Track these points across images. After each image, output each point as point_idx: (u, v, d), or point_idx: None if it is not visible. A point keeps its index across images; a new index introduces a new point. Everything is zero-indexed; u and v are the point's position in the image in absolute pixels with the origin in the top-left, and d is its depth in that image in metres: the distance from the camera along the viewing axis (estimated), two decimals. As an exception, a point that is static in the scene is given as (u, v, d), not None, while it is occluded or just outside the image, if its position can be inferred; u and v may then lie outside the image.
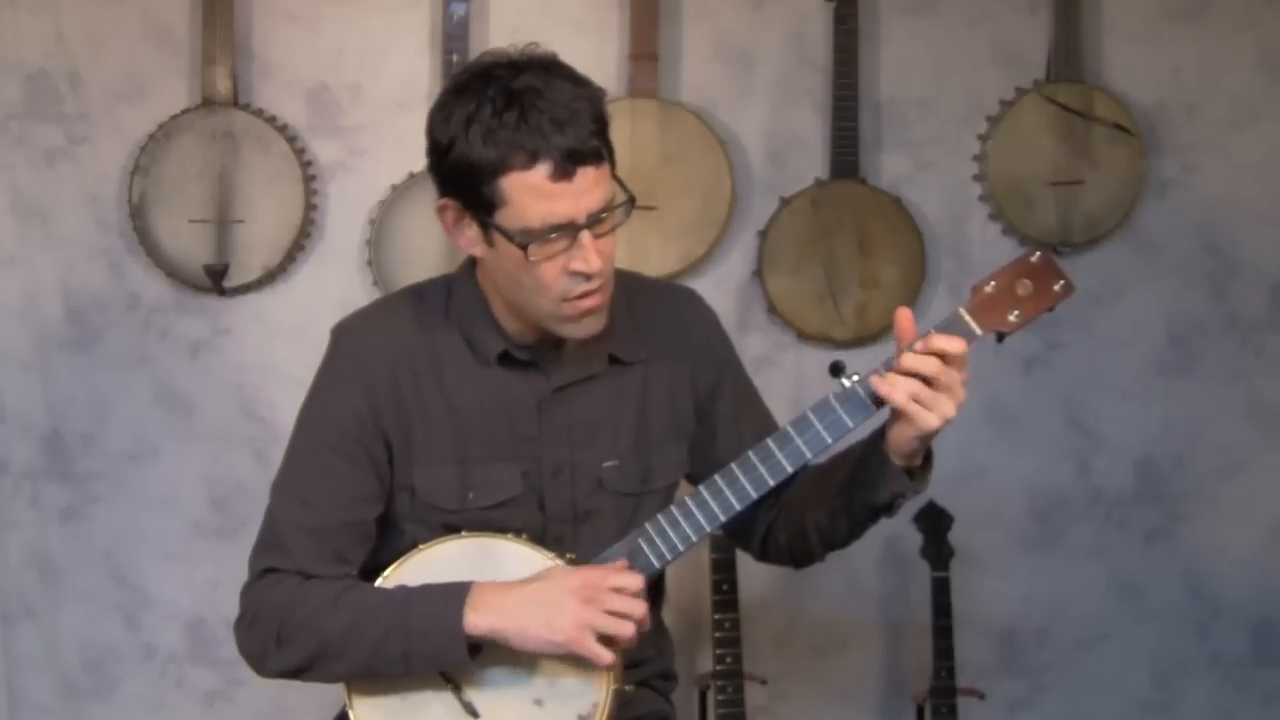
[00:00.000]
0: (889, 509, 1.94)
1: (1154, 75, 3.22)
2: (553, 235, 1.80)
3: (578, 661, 1.87)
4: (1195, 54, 3.22)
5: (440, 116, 1.84)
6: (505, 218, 1.81)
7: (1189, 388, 3.27)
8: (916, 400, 1.80)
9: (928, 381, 1.80)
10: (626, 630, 1.84)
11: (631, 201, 1.88)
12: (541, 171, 1.78)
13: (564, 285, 1.84)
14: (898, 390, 1.80)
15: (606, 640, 1.83)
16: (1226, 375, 3.27)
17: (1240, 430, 3.28)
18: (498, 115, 1.78)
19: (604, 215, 1.84)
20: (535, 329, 1.95)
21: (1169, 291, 3.26)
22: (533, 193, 1.78)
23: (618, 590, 1.84)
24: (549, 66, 1.82)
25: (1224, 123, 3.24)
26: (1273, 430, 3.28)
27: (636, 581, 1.87)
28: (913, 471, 1.91)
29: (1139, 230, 3.23)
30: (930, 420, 1.80)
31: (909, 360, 1.81)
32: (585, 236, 1.82)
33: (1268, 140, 3.24)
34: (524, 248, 1.80)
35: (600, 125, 1.82)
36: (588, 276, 1.83)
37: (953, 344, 1.81)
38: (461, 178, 1.82)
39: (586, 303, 1.86)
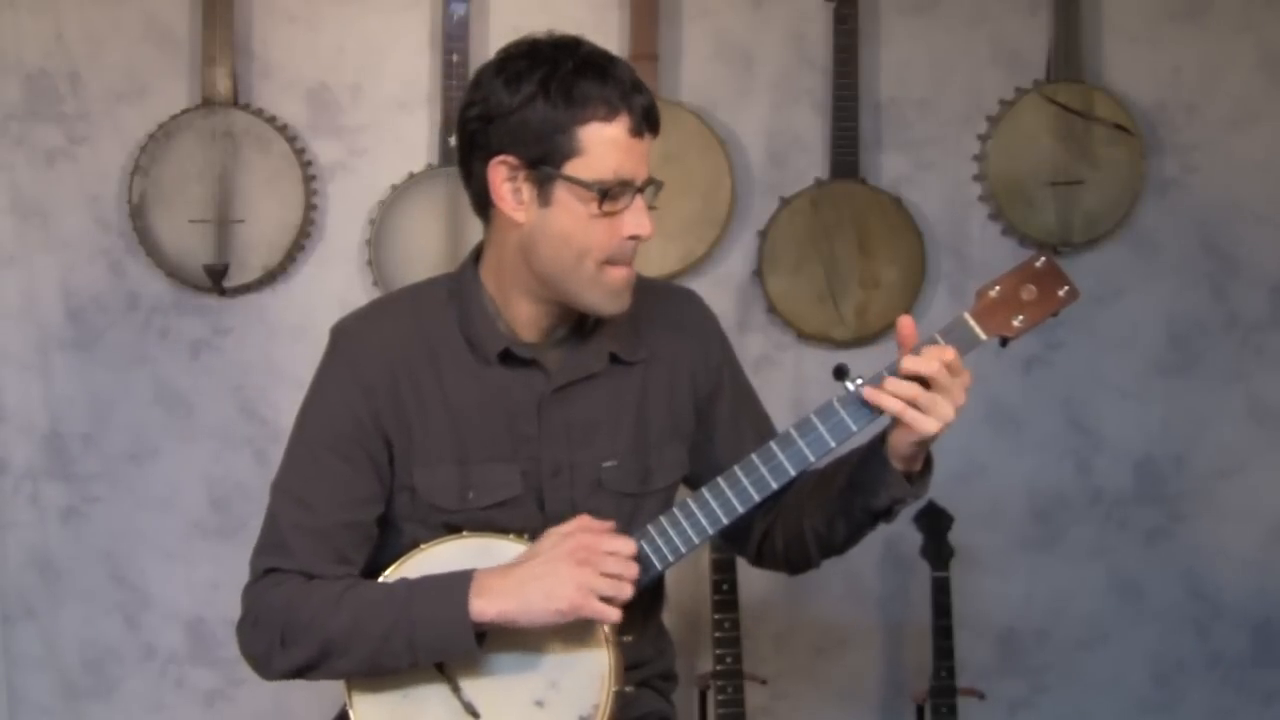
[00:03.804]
0: (888, 514, 1.95)
1: (1154, 75, 3.22)
2: (620, 189, 1.85)
3: (578, 660, 1.87)
4: (1195, 54, 3.22)
5: (502, 81, 1.85)
6: (578, 168, 1.84)
7: (1189, 388, 3.27)
8: (914, 405, 1.81)
9: (927, 385, 1.81)
10: (624, 591, 1.85)
11: (660, 185, 1.93)
12: (622, 124, 1.84)
13: (614, 246, 1.87)
14: (887, 399, 1.82)
15: (606, 601, 1.84)
16: (1226, 375, 3.27)
17: (1240, 430, 3.28)
18: (579, 72, 1.83)
19: (650, 187, 1.90)
20: (549, 317, 1.95)
21: (1169, 291, 3.26)
22: (612, 144, 1.83)
23: (611, 553, 1.86)
24: (599, 46, 1.90)
25: (1224, 123, 3.24)
26: (1273, 430, 3.28)
27: (629, 546, 1.88)
28: (912, 476, 1.92)
29: (1139, 230, 3.24)
30: (927, 425, 1.81)
31: (908, 363, 1.82)
32: (640, 199, 1.88)
33: (1268, 140, 3.24)
34: (603, 195, 1.84)
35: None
36: (637, 241, 1.88)
37: (944, 353, 1.82)
38: (532, 132, 1.84)
39: (626, 272, 1.90)
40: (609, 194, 1.84)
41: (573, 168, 1.84)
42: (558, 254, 1.88)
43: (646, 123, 1.86)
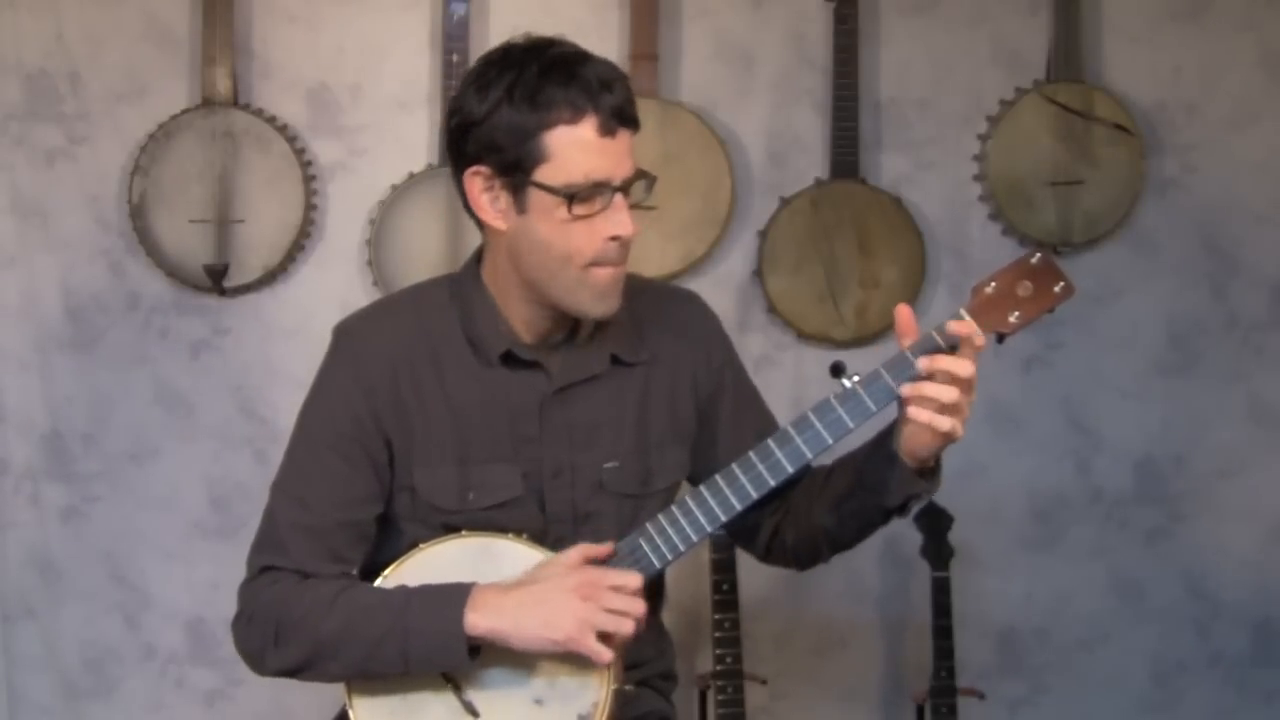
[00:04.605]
0: (902, 509, 1.94)
1: (1154, 75, 3.22)
2: (593, 191, 1.82)
3: (577, 661, 1.87)
4: (1195, 54, 3.22)
5: (474, 90, 1.85)
6: (547, 174, 1.82)
7: (1189, 388, 3.27)
8: (958, 412, 1.80)
9: (963, 386, 1.80)
10: (626, 627, 1.84)
11: (653, 180, 1.90)
12: (589, 125, 1.81)
13: (596, 249, 1.85)
14: (932, 414, 1.79)
15: (604, 638, 1.83)
16: (1226, 375, 3.27)
17: (1240, 430, 3.28)
18: (544, 75, 1.81)
19: (631, 185, 1.86)
20: (547, 319, 1.94)
21: (1169, 291, 3.26)
22: (579, 146, 1.81)
23: (616, 588, 1.84)
24: (576, 46, 1.87)
25: (1224, 123, 3.24)
26: (1273, 430, 3.28)
27: (635, 580, 1.87)
28: (923, 471, 1.91)
29: (1139, 230, 3.23)
30: (958, 428, 1.81)
31: (947, 364, 1.80)
32: (620, 199, 1.84)
33: (1268, 140, 3.24)
34: (570, 199, 1.81)
35: (634, 99, 1.86)
36: (620, 242, 1.85)
37: (978, 341, 1.82)
38: (501, 140, 1.83)
39: (612, 273, 1.87)
40: (578, 198, 1.82)
41: (542, 174, 1.82)
42: (541, 259, 1.88)
43: (619, 120, 1.82)
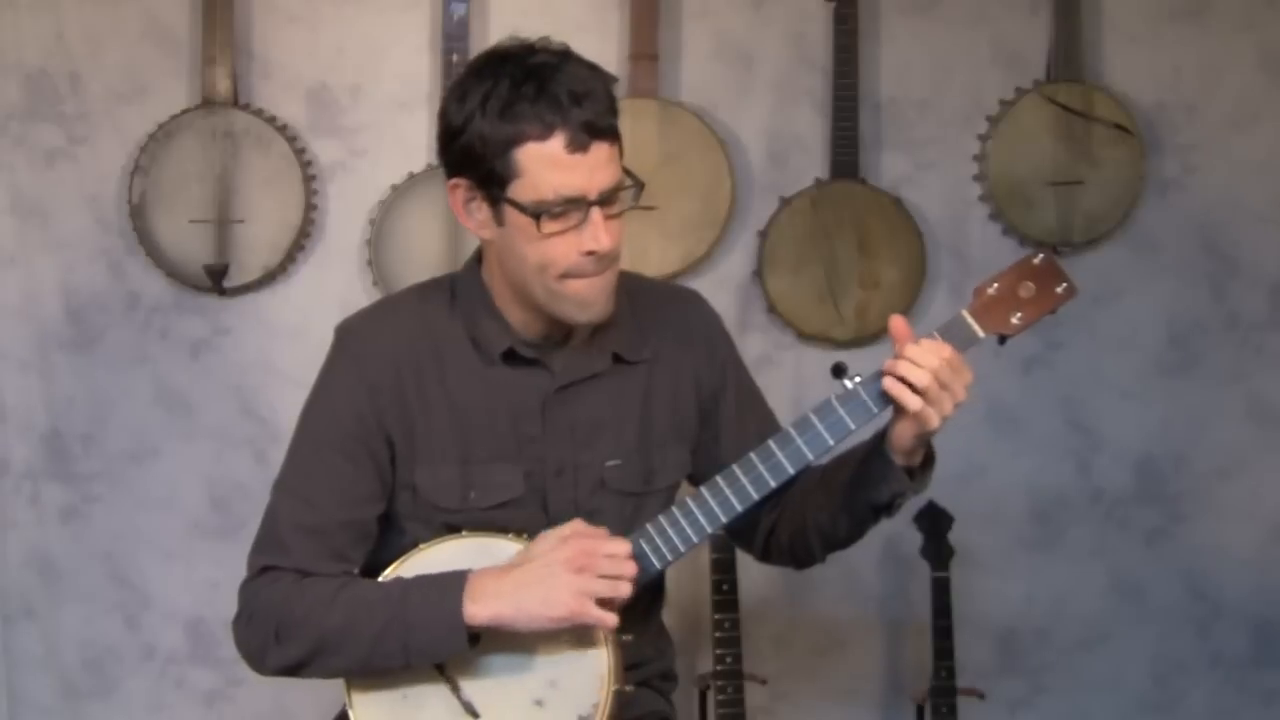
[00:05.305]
0: (889, 508, 1.95)
1: (1154, 75, 3.22)
2: (566, 207, 1.81)
3: (578, 659, 1.87)
4: (1195, 54, 3.22)
5: (455, 98, 1.85)
6: (518, 190, 1.82)
7: (1189, 388, 3.27)
8: (923, 395, 1.81)
9: (932, 370, 1.82)
10: (623, 591, 1.85)
11: (640, 186, 1.89)
12: (558, 141, 1.79)
13: (571, 262, 1.84)
14: (898, 387, 1.82)
15: (604, 604, 1.84)
16: (1226, 375, 3.27)
17: (1240, 430, 3.28)
18: (516, 88, 1.79)
19: (615, 195, 1.85)
20: (542, 320, 1.95)
21: (1169, 291, 3.26)
22: (548, 163, 1.80)
23: (608, 555, 1.85)
24: (562, 50, 1.85)
25: (1224, 123, 3.24)
26: (1273, 430, 3.28)
27: (624, 547, 1.87)
28: (913, 471, 1.92)
29: (1139, 230, 3.23)
30: (931, 416, 1.82)
31: (911, 350, 1.82)
32: (596, 213, 1.83)
33: (1268, 140, 3.24)
34: (537, 218, 1.81)
35: (613, 106, 1.85)
36: (597, 256, 1.84)
37: (942, 350, 1.83)
38: (476, 154, 1.82)
39: (587, 284, 1.86)
40: (549, 215, 1.81)
41: (514, 190, 1.82)
42: (520, 268, 1.88)
43: (590, 133, 1.80)
